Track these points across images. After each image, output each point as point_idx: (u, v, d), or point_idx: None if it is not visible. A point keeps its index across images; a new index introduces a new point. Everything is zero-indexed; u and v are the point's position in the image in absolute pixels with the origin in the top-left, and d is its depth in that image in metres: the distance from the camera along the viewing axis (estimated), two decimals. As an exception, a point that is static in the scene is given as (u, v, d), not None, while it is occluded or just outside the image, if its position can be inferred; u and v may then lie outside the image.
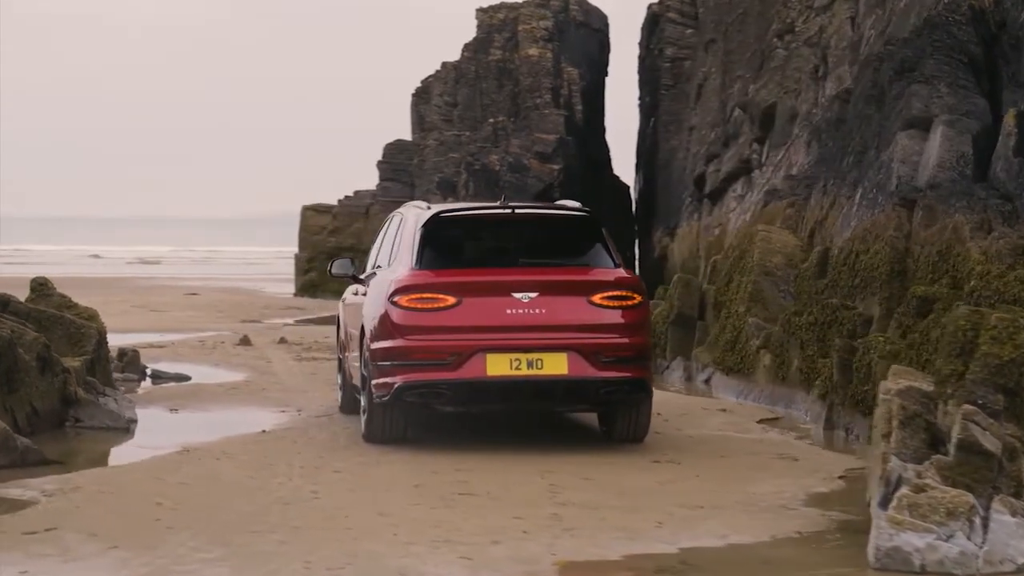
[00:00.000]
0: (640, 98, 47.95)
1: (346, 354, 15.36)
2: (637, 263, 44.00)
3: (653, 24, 45.39)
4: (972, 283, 13.36)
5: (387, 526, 9.55)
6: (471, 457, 12.40)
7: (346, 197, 48.58)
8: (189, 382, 19.04)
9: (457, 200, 40.20)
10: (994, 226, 14.52)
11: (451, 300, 12.57)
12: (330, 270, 15.33)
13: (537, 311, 12.55)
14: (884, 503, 8.98)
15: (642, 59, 47.53)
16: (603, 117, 45.16)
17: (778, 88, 29.52)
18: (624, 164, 49.95)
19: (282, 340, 24.88)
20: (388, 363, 12.70)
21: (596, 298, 12.70)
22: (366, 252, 48.65)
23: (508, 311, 12.54)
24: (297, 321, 33.98)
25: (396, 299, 12.67)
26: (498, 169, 39.58)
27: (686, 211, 36.11)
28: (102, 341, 16.44)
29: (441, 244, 13.05)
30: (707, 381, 19.31)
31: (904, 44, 17.05)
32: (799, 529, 9.71)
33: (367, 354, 13.04)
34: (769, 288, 18.46)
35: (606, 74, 46.00)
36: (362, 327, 13.43)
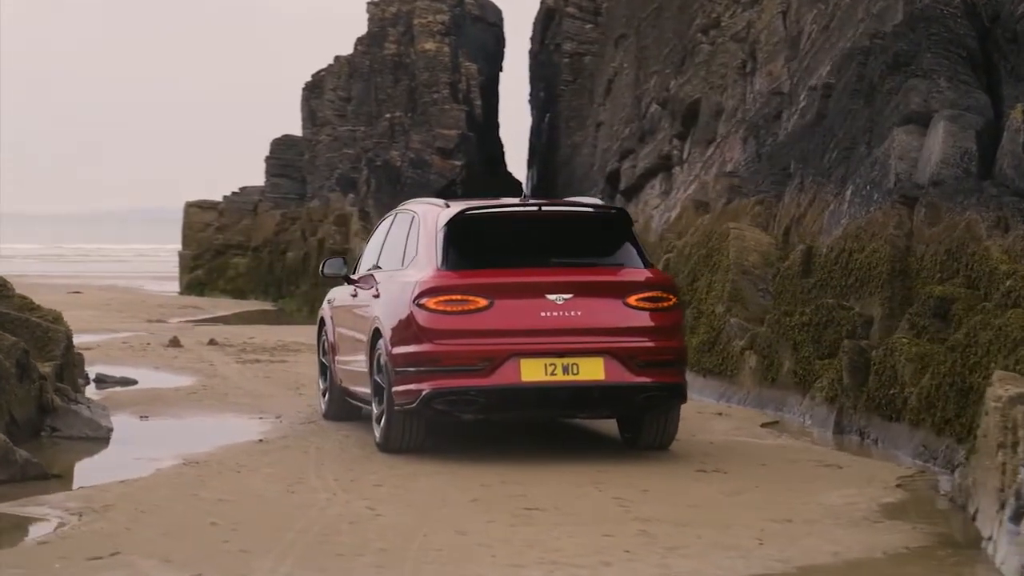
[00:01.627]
0: (532, 93, 47.52)
1: (334, 358, 14.66)
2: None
3: (548, 19, 44.98)
4: (1008, 283, 12.96)
5: (478, 547, 8.92)
6: (507, 466, 11.79)
7: (232, 193, 47.53)
8: (136, 386, 18.15)
9: (358, 196, 39.39)
10: (1011, 224, 14.17)
11: (482, 302, 11.93)
12: (322, 270, 14.63)
13: (572, 313, 11.95)
14: (1016, 518, 8.52)
15: (535, 54, 47.10)
16: (498, 113, 44.62)
17: (703, 84, 29.15)
18: (514, 159, 49.46)
19: (212, 341, 23.98)
20: (413, 369, 12.02)
21: (631, 299, 12.13)
22: (256, 249, 47.50)
23: (542, 314, 11.93)
24: (200, 320, 33.02)
25: (423, 301, 11.99)
26: (399, 165, 38.84)
27: (596, 208, 35.61)
28: (70, 345, 15.55)
29: (466, 243, 12.41)
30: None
31: (896, 37, 16.67)
32: (905, 544, 9.23)
33: (385, 360, 12.34)
34: (748, 287, 18.01)
35: (501, 69, 45.46)
36: (374, 330, 12.73)
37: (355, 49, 43.61)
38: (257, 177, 47.85)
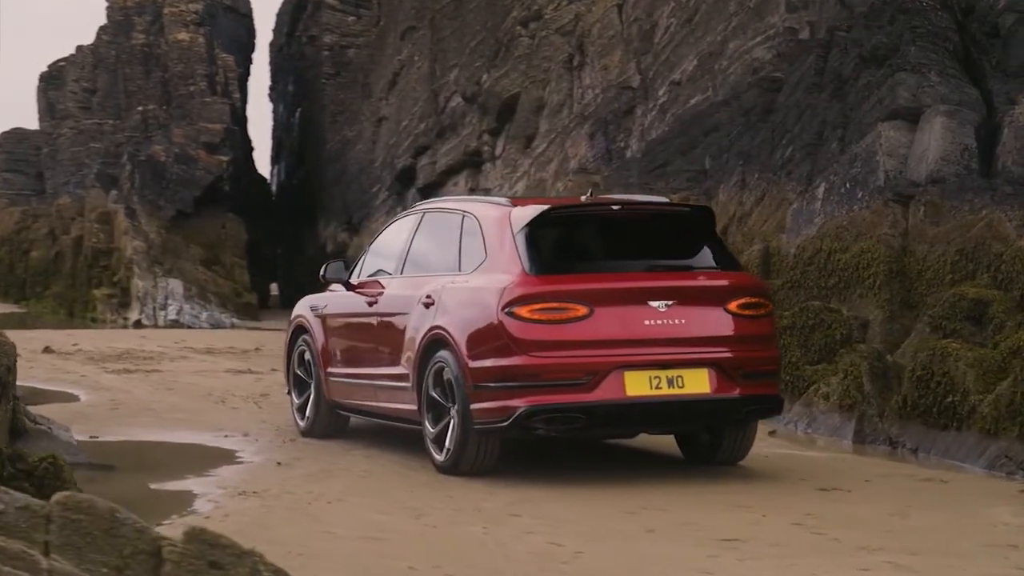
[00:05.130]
0: (277, 87, 46.14)
1: (326, 370, 13.40)
2: (288, 258, 42.22)
3: (298, 11, 43.66)
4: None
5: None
6: (608, 485, 10.79)
7: (-43, 190, 44.79)
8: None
9: (121, 193, 37.35)
10: (1041, 223, 13.79)
11: (582, 310, 10.87)
12: (323, 275, 13.38)
13: (676, 322, 11.01)
14: None
15: (280, 47, 45.72)
16: (246, 106, 43.07)
17: (522, 78, 28.39)
18: (257, 155, 47.88)
19: (47, 349, 22.14)
20: (502, 384, 10.89)
21: (732, 305, 11.24)
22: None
23: (646, 322, 10.95)
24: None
25: (515, 310, 10.86)
26: (164, 160, 36.96)
27: (383, 205, 34.55)
28: (14, 360, 13.85)
29: (553, 246, 11.35)
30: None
31: (873, 30, 16.14)
32: None
33: (456, 373, 11.17)
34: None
35: (251, 61, 43.90)
36: (430, 341, 11.53)
37: (98, 39, 41.44)
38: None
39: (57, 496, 6.09)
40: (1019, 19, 15.06)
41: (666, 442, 12.61)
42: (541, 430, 10.96)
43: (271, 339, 25.94)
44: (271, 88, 47.08)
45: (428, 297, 11.74)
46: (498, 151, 29.27)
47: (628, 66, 24.91)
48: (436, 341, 11.51)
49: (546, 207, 11.39)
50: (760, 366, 11.24)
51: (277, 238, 42.11)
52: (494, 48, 29.36)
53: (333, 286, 13.80)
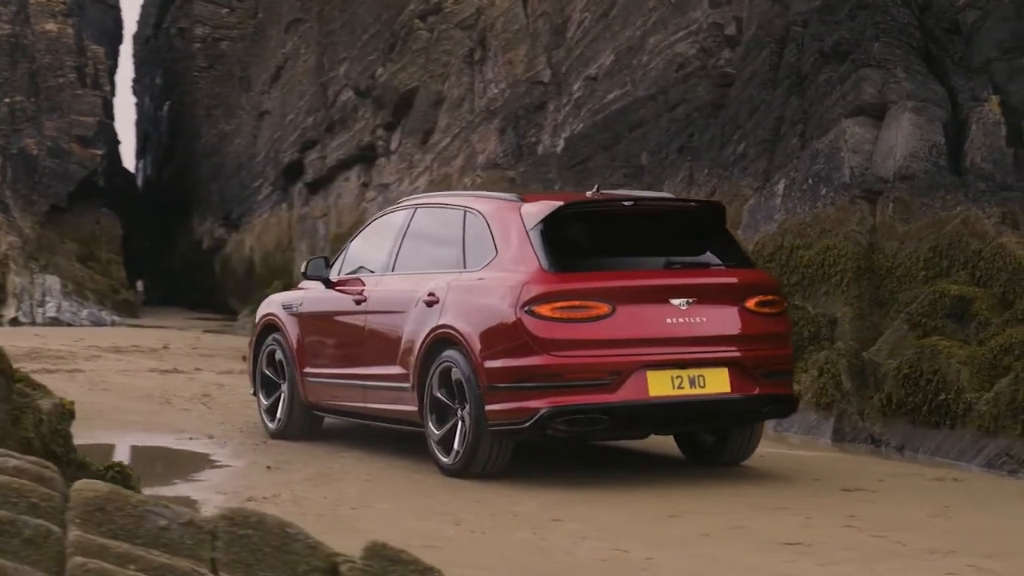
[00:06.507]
0: (142, 80, 45.26)
1: (302, 371, 12.99)
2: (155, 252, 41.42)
3: (167, 3, 42.81)
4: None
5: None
6: (624, 489, 10.55)
7: None
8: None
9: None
10: (1020, 220, 13.80)
11: (605, 308, 10.59)
12: (304, 272, 12.95)
13: (697, 320, 10.78)
14: None
15: (146, 39, 44.85)
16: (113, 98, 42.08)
17: (421, 72, 28.01)
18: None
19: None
20: (521, 385, 10.57)
21: (750, 303, 11.03)
22: None
23: (668, 320, 10.71)
24: None
25: (535, 308, 10.54)
26: (36, 154, 35.91)
27: (267, 201, 33.94)
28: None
29: (570, 243, 11.04)
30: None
31: (831, 25, 16.04)
32: None
33: (466, 374, 10.81)
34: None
35: (119, 53, 42.92)
36: (435, 340, 11.18)
37: (-40, 27, 40.16)
38: None
39: (223, 510, 5.69)
40: (981, 15, 15.07)
41: (657, 442, 12.36)
42: (563, 432, 10.66)
43: (173, 337, 25.33)
44: (135, 81, 46.13)
45: (431, 295, 11.37)
46: (393, 146, 28.87)
47: (537, 60, 24.65)
48: (442, 340, 11.15)
49: (560, 203, 11.08)
50: (777, 365, 11.07)
51: (143, 234, 41.20)
52: (390, 41, 28.94)
53: (305, 283, 13.38)
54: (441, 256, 11.69)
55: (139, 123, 45.61)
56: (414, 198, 12.97)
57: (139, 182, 44.81)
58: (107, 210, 35.95)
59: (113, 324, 31.48)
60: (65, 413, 7.30)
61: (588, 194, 11.62)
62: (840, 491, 10.74)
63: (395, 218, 12.55)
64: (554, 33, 24.34)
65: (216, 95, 38.17)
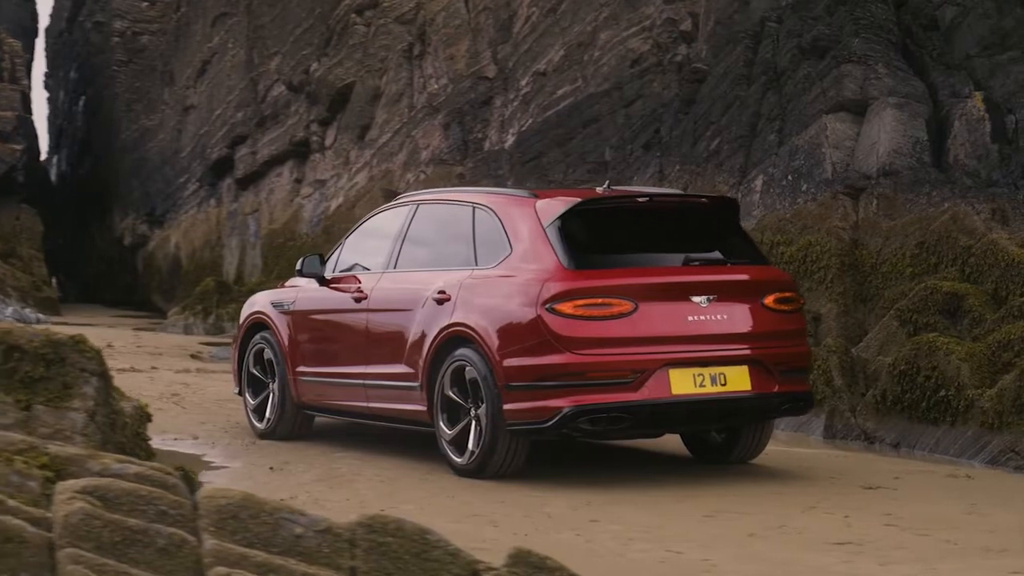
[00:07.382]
0: (56, 73, 44.61)
1: (294, 370, 12.74)
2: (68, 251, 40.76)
3: (83, -6, 42.23)
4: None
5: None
6: (649, 488, 10.41)
7: None
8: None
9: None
10: (1009, 216, 13.81)
11: (627, 306, 10.43)
12: (299, 269, 12.69)
13: (718, 317, 10.65)
14: None
15: (60, 32, 44.19)
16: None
17: (357, 67, 27.73)
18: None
19: None
20: (543, 384, 10.39)
21: (768, 301, 10.92)
22: None
23: (689, 318, 10.58)
24: None
25: (556, 305, 10.36)
26: (-46, 149, 35.22)
27: (194, 197, 33.49)
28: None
29: (588, 239, 10.86)
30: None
31: (808, 21, 15.99)
32: None
33: (482, 373, 10.61)
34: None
35: (35, 47, 42.23)
36: (447, 338, 10.96)
37: None
38: None
39: (360, 517, 5.48)
40: (960, 12, 15.08)
41: (658, 440, 12.24)
42: (584, 431, 10.51)
43: (111, 336, 24.89)
44: (48, 75, 45.44)
45: (441, 292, 11.15)
46: (328, 141, 28.56)
47: (481, 56, 24.46)
48: (455, 338, 10.94)
49: (578, 199, 10.91)
50: (795, 362, 10.98)
51: (57, 230, 40.53)
52: (325, 36, 28.62)
53: (294, 280, 13.13)
54: (449, 253, 11.48)
55: (52, 118, 44.91)
56: (414, 194, 12.73)
57: (52, 177, 44.09)
58: (27, 206, 35.28)
59: (39, 322, 30.85)
60: (144, 415, 7.01)
61: (599, 190, 11.44)
62: (862, 489, 10.66)
63: (395, 215, 12.32)
64: (499, 28, 24.16)
65: (136, 90, 37.64)
